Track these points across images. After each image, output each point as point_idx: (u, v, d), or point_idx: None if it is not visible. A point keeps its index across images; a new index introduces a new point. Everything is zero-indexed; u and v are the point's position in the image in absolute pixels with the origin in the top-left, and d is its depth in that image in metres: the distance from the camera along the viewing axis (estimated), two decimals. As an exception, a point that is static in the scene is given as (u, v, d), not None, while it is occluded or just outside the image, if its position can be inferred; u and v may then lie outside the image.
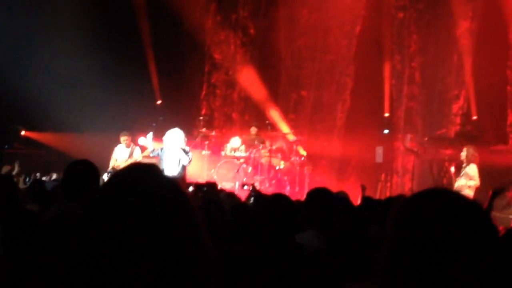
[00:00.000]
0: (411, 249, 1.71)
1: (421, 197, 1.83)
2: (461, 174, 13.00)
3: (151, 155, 13.69)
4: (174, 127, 13.43)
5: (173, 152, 12.87)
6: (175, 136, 13.03)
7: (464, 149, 13.26)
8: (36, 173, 12.26)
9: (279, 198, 4.68)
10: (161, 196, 1.61)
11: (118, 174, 1.71)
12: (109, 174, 13.58)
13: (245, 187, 13.49)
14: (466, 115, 16.45)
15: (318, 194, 5.35)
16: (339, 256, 4.08)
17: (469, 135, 15.69)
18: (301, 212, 4.87)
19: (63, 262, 1.62)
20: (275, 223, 4.25)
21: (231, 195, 7.11)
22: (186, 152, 12.94)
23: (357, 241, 4.83)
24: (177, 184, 1.69)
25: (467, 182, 12.82)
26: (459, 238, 1.69)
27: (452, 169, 14.76)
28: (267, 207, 4.47)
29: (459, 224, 1.71)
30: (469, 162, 13.01)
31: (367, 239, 4.86)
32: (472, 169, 12.98)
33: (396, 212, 1.82)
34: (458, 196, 1.82)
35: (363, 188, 9.70)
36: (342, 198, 6.90)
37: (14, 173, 11.85)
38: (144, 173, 1.68)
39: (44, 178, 11.56)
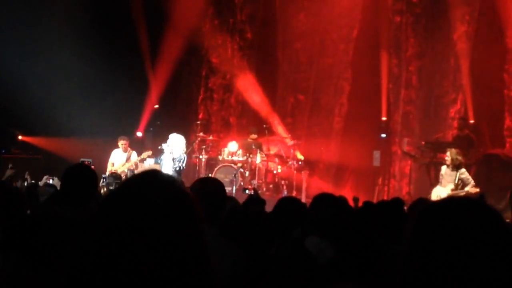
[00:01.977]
0: (430, 256, 1.72)
1: (441, 204, 1.83)
2: (456, 181, 12.91)
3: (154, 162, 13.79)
4: (172, 131, 13.56)
5: (171, 157, 13.04)
6: (176, 141, 13.21)
7: (448, 153, 13.21)
8: (26, 176, 12.21)
9: (290, 202, 4.68)
10: (168, 199, 1.62)
11: (128, 179, 1.73)
12: (106, 178, 13.56)
13: (246, 191, 13.51)
14: (464, 119, 16.45)
15: (324, 200, 5.34)
16: (340, 262, 4.07)
17: (467, 139, 15.70)
18: (306, 218, 4.87)
19: (66, 263, 1.63)
20: (285, 226, 4.26)
21: (230, 199, 7.09)
22: (182, 158, 13.12)
23: (359, 246, 4.82)
24: (184, 188, 1.71)
25: (470, 188, 12.73)
26: (479, 246, 1.69)
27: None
28: (277, 209, 4.48)
29: (479, 231, 1.71)
30: (456, 166, 12.94)
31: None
32: (465, 174, 12.96)
33: (415, 218, 1.82)
34: (479, 204, 1.81)
35: (356, 200, 9.49)
36: (343, 202, 6.90)
37: (5, 177, 11.83)
38: (152, 178, 1.69)
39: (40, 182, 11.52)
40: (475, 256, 1.68)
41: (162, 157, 13.39)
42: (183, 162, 13.24)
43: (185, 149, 13.53)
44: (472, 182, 12.85)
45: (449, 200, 1.85)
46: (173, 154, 13.09)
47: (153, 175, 1.73)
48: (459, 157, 12.99)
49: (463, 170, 12.99)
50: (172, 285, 1.55)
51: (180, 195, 1.68)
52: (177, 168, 12.92)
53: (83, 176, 4.67)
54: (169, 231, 1.58)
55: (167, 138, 13.34)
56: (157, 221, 1.57)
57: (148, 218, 1.57)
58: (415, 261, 1.75)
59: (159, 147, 13.50)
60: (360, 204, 9.83)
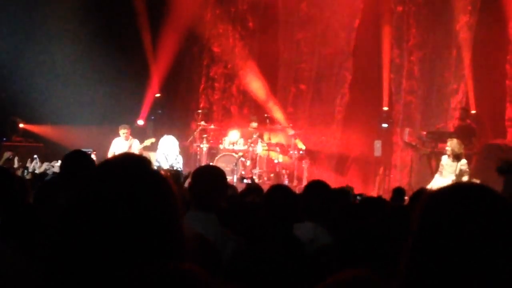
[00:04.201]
0: (436, 245, 1.67)
1: (446, 191, 1.78)
2: (457, 171, 12.89)
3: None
4: (173, 120, 13.66)
5: (167, 157, 13.24)
6: (169, 143, 13.40)
7: (448, 143, 13.17)
8: (28, 164, 12.16)
9: (279, 189, 4.69)
10: (143, 186, 1.62)
11: (104, 164, 1.72)
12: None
13: (244, 180, 13.55)
14: (465, 109, 16.45)
15: (316, 187, 5.37)
16: (334, 248, 4.07)
17: (468, 129, 15.70)
18: (299, 204, 4.89)
19: (45, 250, 1.64)
20: (274, 214, 4.27)
21: (229, 187, 7.10)
22: (179, 159, 13.34)
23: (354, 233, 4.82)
24: (162, 176, 1.70)
25: (468, 179, 12.70)
26: (487, 233, 1.64)
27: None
28: (267, 197, 4.49)
29: (488, 218, 1.67)
30: (456, 157, 12.91)
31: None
32: (465, 165, 12.94)
33: (420, 207, 1.77)
34: (488, 190, 1.75)
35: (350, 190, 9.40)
36: (343, 191, 6.94)
37: (15, 166, 11.78)
38: (129, 164, 1.68)
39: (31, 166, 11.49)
40: (487, 242, 1.64)
41: (157, 159, 13.51)
42: (180, 163, 13.43)
43: (178, 149, 13.70)
44: (467, 174, 12.86)
45: (456, 186, 1.80)
46: (168, 157, 13.22)
47: (123, 157, 1.73)
48: (460, 148, 12.97)
49: (464, 161, 12.98)
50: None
51: (150, 174, 1.68)
52: (178, 170, 12.94)
53: (82, 162, 4.67)
54: (146, 221, 1.57)
55: (168, 126, 13.41)
56: (127, 200, 1.57)
57: (118, 197, 1.57)
58: (423, 249, 1.70)
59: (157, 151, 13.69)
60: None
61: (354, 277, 1.58)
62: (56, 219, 1.62)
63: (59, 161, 11.28)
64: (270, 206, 4.37)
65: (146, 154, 14.61)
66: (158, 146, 13.89)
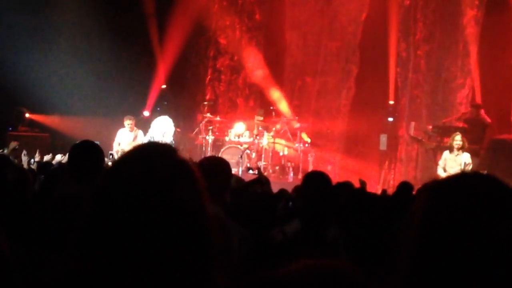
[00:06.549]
0: (441, 237, 1.59)
1: (450, 182, 1.69)
2: (462, 166, 12.86)
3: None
4: (179, 111, 13.63)
5: (164, 135, 13.22)
6: (164, 123, 13.36)
7: (451, 137, 13.15)
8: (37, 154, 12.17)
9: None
10: (171, 175, 1.60)
11: (126, 152, 1.71)
12: (111, 157, 13.59)
13: (250, 171, 13.55)
14: (476, 106, 16.34)
15: (315, 178, 5.28)
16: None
17: (480, 123, 15.67)
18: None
19: (66, 243, 1.61)
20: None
21: (237, 179, 7.09)
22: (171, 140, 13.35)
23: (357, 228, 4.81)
24: (189, 165, 1.69)
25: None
26: (494, 223, 1.57)
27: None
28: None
29: (494, 208, 1.59)
30: (458, 151, 12.90)
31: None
32: (468, 159, 12.92)
33: (423, 199, 1.69)
34: (492, 179, 1.67)
35: (363, 183, 9.41)
36: (346, 185, 6.92)
37: (9, 150, 11.75)
38: (157, 152, 1.67)
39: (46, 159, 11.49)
40: (495, 233, 1.56)
41: (152, 137, 13.49)
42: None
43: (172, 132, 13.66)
44: (471, 167, 12.87)
45: (462, 175, 1.74)
46: (165, 135, 13.19)
47: (150, 145, 1.72)
48: (462, 142, 12.96)
49: (467, 154, 12.96)
50: (176, 254, 1.54)
51: (178, 162, 1.66)
52: None
53: (90, 153, 4.65)
54: (171, 198, 1.56)
55: (174, 118, 13.39)
56: (158, 190, 1.55)
57: (149, 187, 1.55)
58: (427, 242, 1.62)
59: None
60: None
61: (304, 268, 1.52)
62: (88, 206, 1.60)
63: (60, 155, 11.31)
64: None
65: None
66: (153, 125, 13.82)
